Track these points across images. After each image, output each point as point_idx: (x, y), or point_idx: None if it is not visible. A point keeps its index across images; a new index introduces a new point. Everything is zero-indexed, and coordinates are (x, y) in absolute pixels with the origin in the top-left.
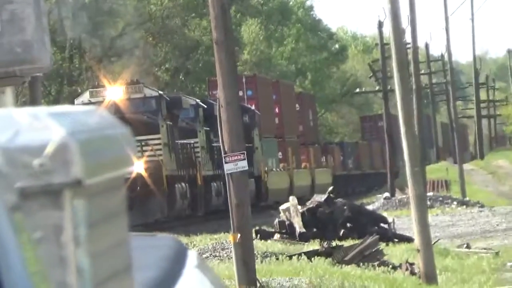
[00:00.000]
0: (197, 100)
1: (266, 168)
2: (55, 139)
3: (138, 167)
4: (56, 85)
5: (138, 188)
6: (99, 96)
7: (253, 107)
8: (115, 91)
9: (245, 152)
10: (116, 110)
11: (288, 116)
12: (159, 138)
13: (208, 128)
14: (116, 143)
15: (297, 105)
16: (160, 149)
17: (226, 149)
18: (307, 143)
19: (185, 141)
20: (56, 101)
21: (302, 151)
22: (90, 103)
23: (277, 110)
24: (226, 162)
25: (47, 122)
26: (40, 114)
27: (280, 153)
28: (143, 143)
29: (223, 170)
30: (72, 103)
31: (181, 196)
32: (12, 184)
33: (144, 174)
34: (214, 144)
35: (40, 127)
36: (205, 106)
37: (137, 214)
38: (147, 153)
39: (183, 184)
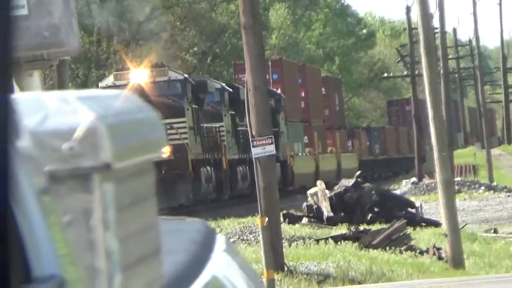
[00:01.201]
0: (223, 84)
1: (292, 153)
2: (84, 123)
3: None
4: (83, 69)
5: (163, 171)
6: (124, 79)
7: (279, 91)
8: (140, 74)
9: (272, 136)
10: (140, 93)
11: (314, 100)
12: (184, 122)
13: (233, 112)
14: (145, 126)
15: (323, 89)
16: (185, 133)
17: (253, 133)
18: (333, 127)
19: (210, 125)
20: (83, 85)
21: (328, 136)
22: (114, 86)
23: (303, 94)
24: (253, 146)
25: (76, 106)
26: (69, 98)
27: (306, 138)
28: (168, 127)
29: (248, 154)
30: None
31: (206, 180)
32: (41, 168)
33: (170, 157)
34: (240, 128)
35: (69, 111)
36: (231, 90)
37: (162, 198)
38: (172, 137)
39: (208, 168)
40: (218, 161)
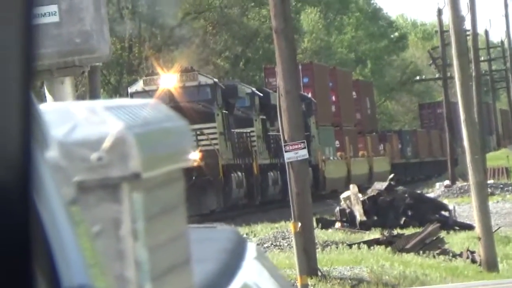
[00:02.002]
0: (253, 89)
1: (323, 157)
2: (113, 132)
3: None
4: (115, 74)
5: (194, 178)
6: (153, 84)
7: (309, 95)
8: (169, 79)
9: (305, 141)
10: (170, 99)
11: (345, 104)
12: (214, 127)
13: (264, 117)
14: (173, 135)
15: (354, 93)
16: (215, 138)
17: (286, 138)
18: (364, 131)
19: (241, 130)
20: (115, 91)
21: (359, 140)
22: (144, 91)
23: (333, 98)
24: (286, 151)
25: (104, 115)
26: (97, 108)
27: (337, 142)
28: (198, 132)
29: (279, 159)
30: None
31: (237, 185)
32: (70, 178)
33: (200, 163)
34: (271, 133)
35: (98, 121)
36: (261, 95)
37: (192, 204)
38: (202, 142)
39: (239, 173)
40: (249, 167)
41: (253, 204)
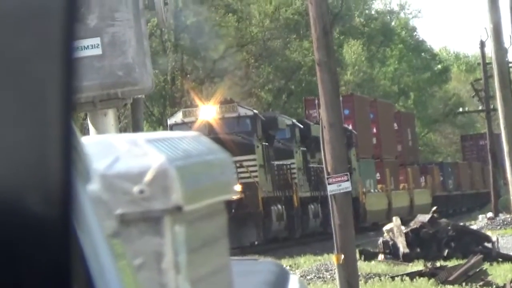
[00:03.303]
0: (293, 120)
1: (364, 189)
2: (155, 165)
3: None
4: (158, 106)
5: (233, 210)
6: (192, 116)
7: (350, 127)
8: (209, 111)
9: (348, 173)
10: (209, 130)
11: (386, 136)
12: (254, 159)
13: (304, 149)
14: (216, 168)
15: (395, 124)
16: (255, 170)
17: (329, 170)
18: (405, 163)
19: (281, 162)
20: (158, 122)
21: (400, 172)
22: (183, 123)
23: (374, 129)
24: (329, 183)
25: (145, 148)
26: (139, 140)
27: (378, 174)
28: (238, 164)
29: (320, 192)
30: None
31: (277, 218)
32: (112, 211)
33: (240, 195)
34: (311, 165)
35: (139, 153)
36: (302, 126)
37: (232, 236)
38: (242, 175)
39: (279, 206)
40: (289, 199)
41: (294, 236)
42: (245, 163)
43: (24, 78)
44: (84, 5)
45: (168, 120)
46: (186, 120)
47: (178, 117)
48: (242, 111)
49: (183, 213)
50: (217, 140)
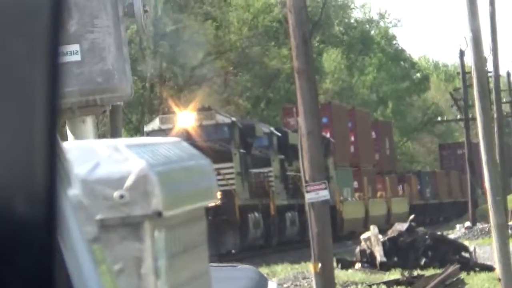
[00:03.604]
0: (271, 128)
1: (341, 198)
2: (135, 171)
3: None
4: (137, 114)
5: (210, 217)
6: (170, 123)
7: (328, 135)
8: (186, 118)
9: (326, 181)
10: (187, 138)
11: (364, 144)
12: (231, 167)
13: (282, 157)
14: (196, 174)
15: (373, 133)
16: (232, 178)
17: (307, 178)
18: (383, 172)
19: (258, 170)
20: (136, 130)
21: (378, 180)
22: (160, 130)
23: (352, 138)
24: (307, 192)
25: (126, 154)
26: (120, 146)
27: (355, 182)
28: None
29: (297, 199)
30: None
31: (254, 226)
32: (93, 216)
33: (216, 203)
34: (289, 173)
35: (120, 159)
36: (279, 134)
37: (209, 244)
38: (219, 182)
39: (256, 213)
40: (266, 207)
41: (270, 244)
42: (222, 171)
43: (10, 83)
44: (67, 10)
45: (145, 127)
46: (163, 127)
47: (155, 124)
48: (220, 119)
49: (163, 218)
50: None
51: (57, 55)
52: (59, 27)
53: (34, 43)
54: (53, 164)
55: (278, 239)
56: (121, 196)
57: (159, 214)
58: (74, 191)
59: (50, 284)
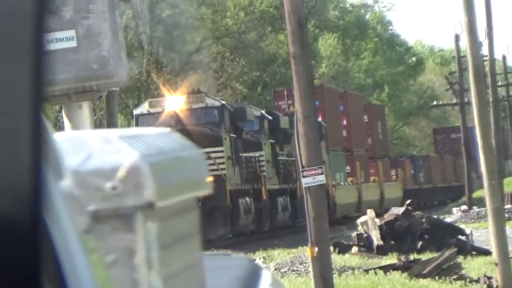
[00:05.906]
0: (262, 111)
1: (333, 182)
2: (127, 162)
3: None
4: (133, 98)
5: (200, 203)
6: (159, 106)
7: (319, 119)
8: (176, 101)
9: (322, 166)
10: (176, 121)
11: (356, 129)
12: (222, 151)
13: (273, 141)
14: (188, 164)
15: (365, 117)
16: (223, 163)
17: (303, 163)
18: (376, 156)
19: (249, 154)
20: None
21: (371, 165)
22: (149, 113)
23: (344, 122)
24: (304, 176)
25: (118, 145)
26: (112, 137)
27: (348, 167)
28: (205, 156)
29: (289, 184)
30: None
31: (245, 211)
32: (84, 207)
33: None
34: (280, 158)
35: (112, 150)
36: (270, 118)
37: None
38: (209, 167)
39: (247, 199)
40: (258, 192)
41: (262, 230)
42: (212, 155)
43: None
44: None
45: (134, 110)
46: (152, 110)
47: (144, 108)
48: (210, 102)
49: (156, 209)
50: (184, 131)
51: (42, 42)
52: (44, 12)
53: (17, 31)
54: (42, 155)
55: (269, 225)
56: (114, 187)
57: (151, 205)
58: (65, 183)
59: (39, 275)
